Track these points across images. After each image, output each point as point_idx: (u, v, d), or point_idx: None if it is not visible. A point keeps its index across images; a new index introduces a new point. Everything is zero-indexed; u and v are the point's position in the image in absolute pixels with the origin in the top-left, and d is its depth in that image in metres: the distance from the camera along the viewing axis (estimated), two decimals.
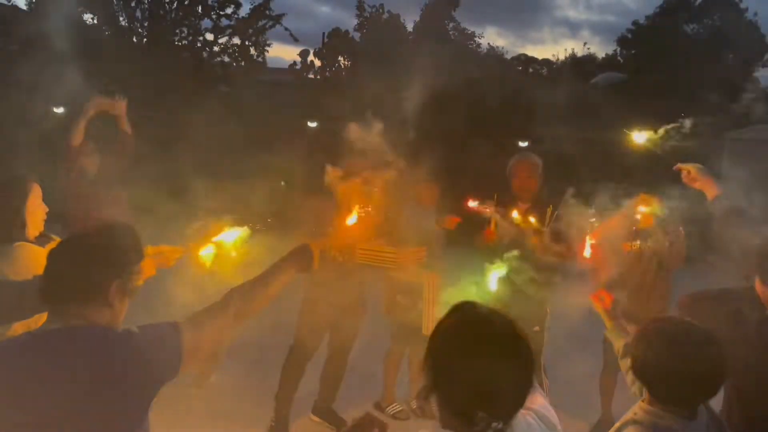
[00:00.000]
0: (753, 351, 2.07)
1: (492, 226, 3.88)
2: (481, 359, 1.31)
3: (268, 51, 16.00)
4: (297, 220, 3.94)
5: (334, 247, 3.09)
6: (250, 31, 15.30)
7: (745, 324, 2.10)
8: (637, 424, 1.80)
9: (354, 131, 3.67)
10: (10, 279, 2.20)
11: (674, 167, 2.82)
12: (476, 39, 26.52)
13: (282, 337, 4.11)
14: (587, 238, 2.94)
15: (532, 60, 27.48)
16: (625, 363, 2.17)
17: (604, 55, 27.75)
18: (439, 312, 4.18)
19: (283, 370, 4.09)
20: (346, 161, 4.04)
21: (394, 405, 4.47)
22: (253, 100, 14.12)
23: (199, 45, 14.96)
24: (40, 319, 2.18)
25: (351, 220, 3.12)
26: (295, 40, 16.29)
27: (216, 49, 15.15)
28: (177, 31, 14.52)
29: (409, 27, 23.97)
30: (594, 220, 3.44)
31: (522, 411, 1.40)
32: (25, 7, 14.63)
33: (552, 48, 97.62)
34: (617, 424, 1.88)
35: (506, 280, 3.53)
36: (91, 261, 1.58)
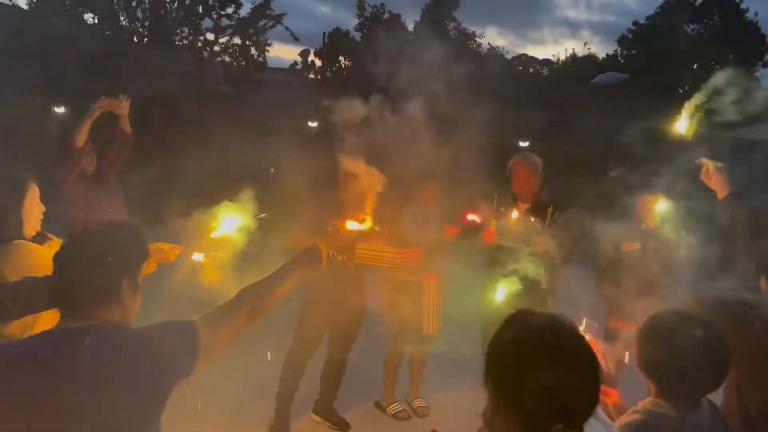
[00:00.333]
0: (758, 352, 2.07)
1: (492, 226, 3.87)
2: (555, 370, 1.25)
3: (268, 51, 16.02)
4: (296, 217, 3.95)
5: (334, 247, 3.09)
6: (251, 30, 15.31)
7: (750, 325, 2.10)
8: (636, 413, 1.84)
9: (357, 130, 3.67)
10: (7, 278, 2.21)
11: (697, 160, 2.84)
12: (477, 39, 26.54)
13: (282, 337, 4.11)
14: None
15: (533, 60, 27.50)
16: None
17: (604, 55, 27.78)
18: (440, 312, 4.18)
19: (283, 369, 4.09)
20: (349, 161, 4.05)
21: (394, 404, 4.47)
22: (254, 100, 14.14)
23: (199, 45, 14.97)
24: (38, 318, 2.21)
25: (352, 220, 3.14)
26: (295, 39, 16.29)
27: (217, 48, 15.16)
28: (178, 30, 14.53)
29: (410, 27, 23.97)
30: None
31: None
32: (26, 7, 14.64)
33: (552, 48, 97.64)
34: (621, 418, 1.89)
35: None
36: (100, 262, 1.59)
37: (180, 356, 1.61)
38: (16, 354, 1.56)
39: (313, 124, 14.35)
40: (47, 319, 2.13)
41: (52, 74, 11.01)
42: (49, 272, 2.16)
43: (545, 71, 27.13)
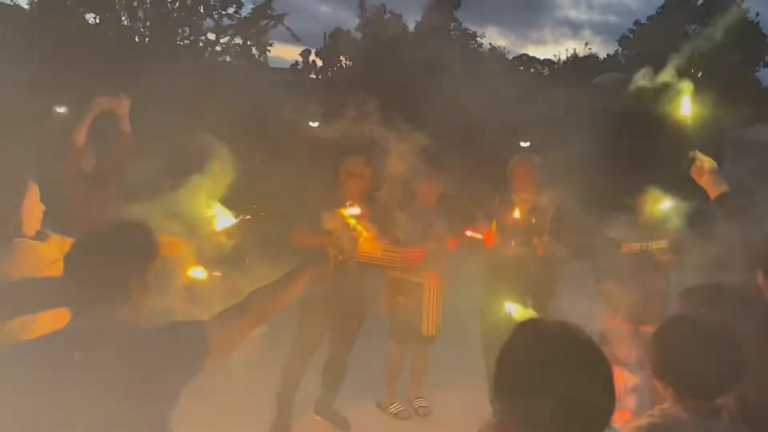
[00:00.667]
0: (755, 345, 2.07)
1: (493, 227, 3.88)
2: (569, 382, 1.21)
3: (269, 51, 15.98)
4: (297, 216, 3.96)
5: (335, 246, 3.10)
6: (252, 30, 15.29)
7: (746, 319, 2.10)
8: (651, 416, 1.82)
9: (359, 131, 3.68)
10: (8, 276, 2.22)
11: (690, 153, 2.77)
12: (478, 39, 26.53)
13: (283, 336, 4.11)
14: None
15: (534, 60, 27.50)
16: None
17: (605, 55, 27.77)
18: (440, 313, 4.19)
19: (284, 369, 4.10)
20: (350, 159, 4.06)
21: (395, 405, 4.46)
22: (255, 100, 14.12)
23: (201, 45, 14.95)
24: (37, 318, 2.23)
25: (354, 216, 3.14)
26: (297, 39, 16.26)
27: (218, 48, 15.14)
28: (179, 30, 14.52)
29: (411, 27, 23.96)
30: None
31: None
32: (27, 7, 14.64)
33: (553, 48, 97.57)
34: (636, 420, 1.88)
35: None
36: (110, 261, 1.62)
37: (190, 356, 1.63)
38: (29, 354, 1.58)
39: (314, 124, 14.35)
40: (48, 319, 2.15)
41: (53, 74, 11.01)
42: (49, 269, 2.19)
43: (546, 71, 27.13)
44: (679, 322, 1.89)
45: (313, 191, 4.16)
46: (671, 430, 1.76)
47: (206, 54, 14.86)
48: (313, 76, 20.26)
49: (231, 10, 15.07)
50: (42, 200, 2.54)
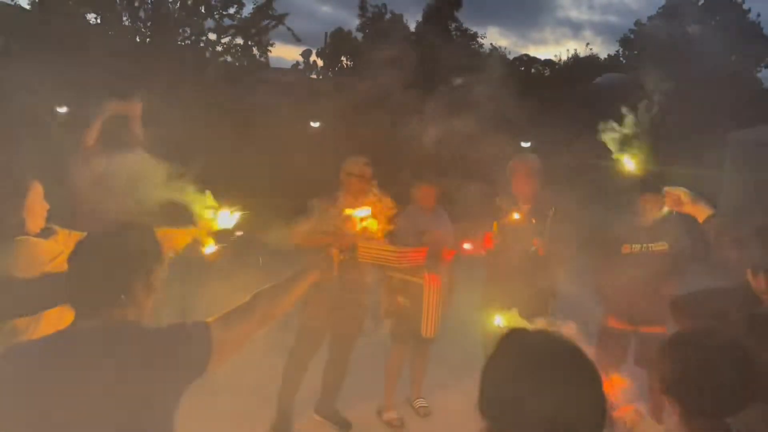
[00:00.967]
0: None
1: (493, 228, 3.87)
2: (556, 397, 1.18)
3: (270, 51, 16.01)
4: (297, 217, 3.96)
5: (336, 245, 3.11)
6: (253, 31, 15.31)
7: (732, 322, 2.09)
8: None
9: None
10: (13, 274, 2.24)
11: (662, 192, 2.84)
12: (479, 39, 26.53)
13: (284, 336, 4.12)
14: None
15: (535, 60, 27.48)
16: None
17: (606, 56, 27.77)
18: (439, 314, 4.18)
19: (285, 369, 4.11)
20: (351, 159, 4.06)
21: (389, 412, 4.41)
22: (256, 100, 14.14)
23: (201, 45, 14.97)
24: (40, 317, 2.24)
25: (356, 216, 3.15)
26: (297, 40, 16.27)
27: (219, 49, 15.16)
28: (180, 30, 14.53)
29: (412, 27, 23.99)
30: None
31: None
32: (28, 7, 14.65)
33: (554, 48, 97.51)
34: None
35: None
36: (114, 263, 1.63)
37: (193, 357, 1.64)
38: (33, 354, 1.58)
39: (315, 125, 14.36)
40: (52, 318, 2.16)
41: (54, 74, 11.03)
42: (52, 264, 2.20)
43: (547, 72, 27.12)
44: (689, 337, 1.80)
45: (315, 191, 4.16)
46: None
47: (207, 54, 14.87)
48: (314, 76, 20.27)
49: (232, 11, 15.09)
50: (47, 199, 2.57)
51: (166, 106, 4.79)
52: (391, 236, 3.85)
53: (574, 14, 59.92)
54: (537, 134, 11.32)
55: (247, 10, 15.25)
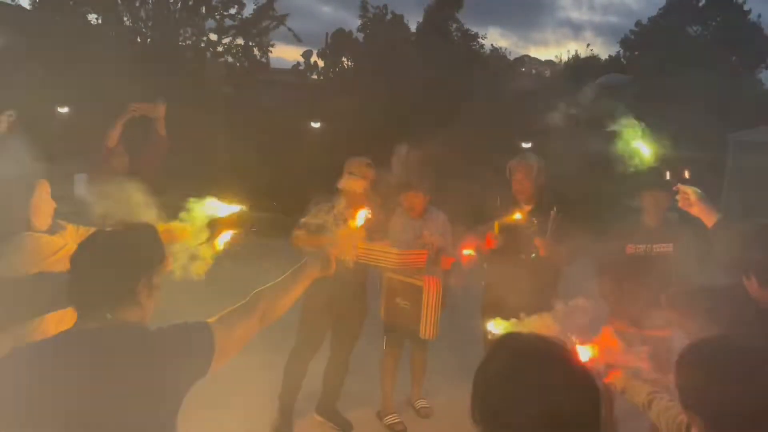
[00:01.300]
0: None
1: (495, 230, 3.87)
2: (549, 404, 1.16)
3: (271, 51, 16.03)
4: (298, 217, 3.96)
5: (336, 246, 3.12)
6: (254, 31, 15.32)
7: (719, 321, 2.06)
8: None
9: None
10: (19, 269, 2.25)
11: (673, 187, 2.78)
12: (479, 40, 26.51)
13: (284, 337, 4.12)
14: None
15: (535, 61, 27.49)
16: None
17: (607, 57, 27.75)
18: (438, 316, 4.16)
19: (286, 369, 4.10)
20: (353, 160, 4.06)
21: (391, 416, 4.38)
22: (256, 101, 14.16)
23: (202, 45, 14.99)
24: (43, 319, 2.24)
25: (358, 218, 3.15)
26: (298, 40, 16.30)
27: (219, 49, 15.18)
28: (181, 31, 14.55)
29: (412, 28, 23.98)
30: None
31: None
32: (29, 7, 14.67)
33: (555, 49, 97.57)
34: None
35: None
36: (117, 263, 1.62)
37: (196, 357, 1.64)
38: (35, 355, 1.58)
39: (316, 125, 14.38)
40: (55, 320, 2.16)
41: (55, 74, 11.04)
42: (55, 257, 2.21)
43: (548, 72, 27.11)
44: (710, 346, 1.69)
45: (317, 192, 4.16)
46: None
47: (208, 54, 14.89)
48: (315, 76, 20.27)
49: (233, 11, 15.11)
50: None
51: (167, 107, 4.80)
52: (382, 239, 3.85)
53: (574, 15, 60.00)
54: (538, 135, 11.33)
55: (248, 10, 15.28)
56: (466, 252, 3.90)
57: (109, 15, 14.09)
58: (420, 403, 4.58)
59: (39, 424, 1.49)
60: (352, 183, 3.97)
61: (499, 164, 4.29)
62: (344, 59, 22.01)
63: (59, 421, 1.49)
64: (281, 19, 15.30)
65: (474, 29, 26.56)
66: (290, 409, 4.08)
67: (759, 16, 25.35)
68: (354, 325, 4.18)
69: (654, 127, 2.89)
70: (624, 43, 27.04)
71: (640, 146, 2.86)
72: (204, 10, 14.74)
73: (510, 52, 29.63)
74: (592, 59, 27.30)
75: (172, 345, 1.62)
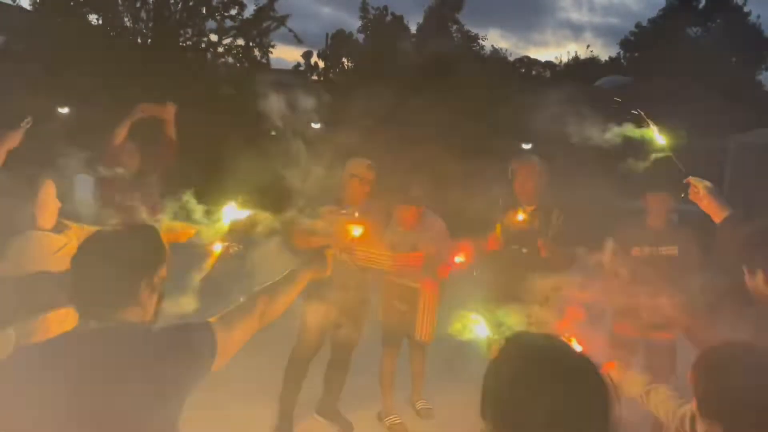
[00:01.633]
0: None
1: (496, 231, 3.87)
2: (560, 403, 1.16)
3: (271, 52, 16.03)
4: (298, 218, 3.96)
5: (336, 247, 3.14)
6: (254, 32, 15.33)
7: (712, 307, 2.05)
8: None
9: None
10: (23, 267, 2.27)
11: (685, 180, 2.73)
12: (480, 41, 26.54)
13: (284, 337, 4.12)
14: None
15: (535, 62, 27.53)
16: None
17: (607, 58, 27.79)
18: (435, 319, 4.16)
19: (285, 370, 4.10)
20: (354, 161, 4.06)
21: (392, 416, 4.38)
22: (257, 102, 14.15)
23: (203, 46, 15.00)
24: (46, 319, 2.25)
25: (355, 220, 3.16)
26: (299, 41, 16.30)
27: (220, 50, 15.19)
28: (181, 32, 14.55)
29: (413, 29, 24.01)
30: None
31: None
32: (29, 8, 14.67)
33: (555, 50, 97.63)
34: None
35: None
36: (118, 263, 1.62)
37: (198, 357, 1.64)
38: (37, 357, 1.58)
39: (316, 126, 14.37)
40: (57, 319, 2.16)
41: (56, 75, 11.05)
42: (58, 254, 2.22)
43: (548, 74, 27.15)
44: (730, 351, 1.66)
45: (317, 192, 4.16)
46: None
47: (208, 55, 14.89)
48: (315, 77, 20.29)
49: (233, 12, 15.11)
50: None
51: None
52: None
53: (574, 16, 60.05)
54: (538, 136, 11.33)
55: (249, 11, 15.28)
56: (457, 259, 3.86)
57: (109, 16, 14.10)
58: (421, 404, 4.58)
59: (40, 424, 1.49)
60: (353, 184, 3.97)
61: (498, 166, 4.29)
62: (344, 60, 22.04)
63: (60, 421, 1.49)
64: (282, 20, 15.31)
65: (474, 30, 26.61)
66: (291, 410, 4.08)
67: (759, 17, 25.43)
68: (354, 326, 4.18)
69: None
70: (624, 44, 27.09)
71: (655, 135, 2.81)
72: (204, 11, 14.75)
73: (510, 53, 29.63)
74: (592, 61, 27.34)
75: (174, 344, 1.62)
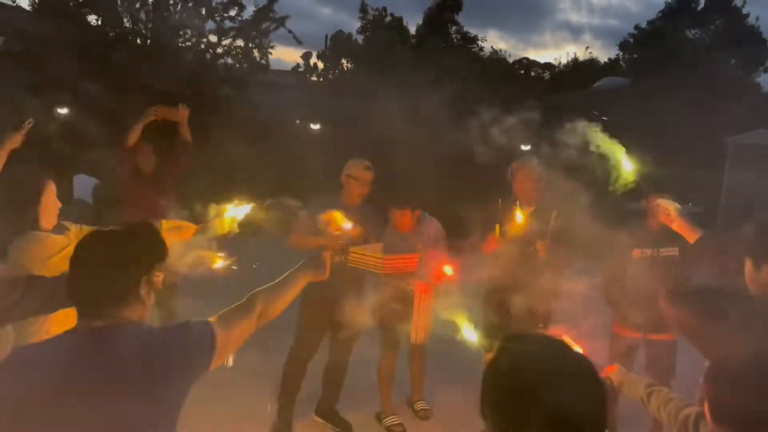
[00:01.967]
0: (736, 344, 2.03)
1: (496, 232, 3.88)
2: (557, 401, 1.17)
3: (271, 53, 16.03)
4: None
5: (333, 247, 3.16)
6: (254, 33, 15.32)
7: (724, 318, 2.05)
8: None
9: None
10: (26, 268, 2.28)
11: (653, 203, 2.76)
12: (479, 42, 26.55)
13: (283, 338, 4.12)
14: None
15: (535, 63, 27.56)
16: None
17: (606, 60, 27.83)
18: (430, 321, 4.15)
19: (284, 370, 4.10)
20: (353, 162, 4.07)
21: (391, 417, 4.37)
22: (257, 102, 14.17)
23: (202, 47, 14.99)
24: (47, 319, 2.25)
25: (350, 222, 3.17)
26: (298, 42, 16.31)
27: (219, 51, 15.18)
28: (181, 32, 14.54)
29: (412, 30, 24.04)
30: None
31: None
32: (29, 8, 14.67)
33: (554, 52, 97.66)
34: None
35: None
36: (117, 262, 1.62)
37: (198, 355, 1.65)
38: (39, 355, 1.58)
39: (316, 127, 14.38)
40: (59, 319, 2.16)
41: (55, 75, 11.05)
42: (59, 256, 2.22)
43: (547, 75, 27.18)
44: (746, 360, 1.65)
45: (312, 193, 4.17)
46: None
47: (208, 56, 14.89)
48: (315, 78, 20.29)
49: (233, 13, 15.11)
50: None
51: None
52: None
53: (574, 18, 59.98)
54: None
55: (248, 12, 15.28)
56: (447, 270, 3.82)
57: (109, 16, 14.08)
58: (420, 405, 4.57)
59: (40, 424, 1.49)
60: (350, 185, 3.98)
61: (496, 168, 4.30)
62: (344, 61, 22.06)
63: (61, 421, 1.49)
64: (281, 21, 15.31)
65: (473, 32, 26.63)
66: (289, 411, 4.08)
67: (758, 18, 25.47)
68: (353, 326, 4.18)
69: (653, 130, 2.89)
70: (623, 46, 27.12)
71: (622, 162, 2.87)
72: (204, 12, 14.75)
73: (509, 55, 29.67)
74: (591, 62, 27.38)
75: (174, 343, 1.62)
